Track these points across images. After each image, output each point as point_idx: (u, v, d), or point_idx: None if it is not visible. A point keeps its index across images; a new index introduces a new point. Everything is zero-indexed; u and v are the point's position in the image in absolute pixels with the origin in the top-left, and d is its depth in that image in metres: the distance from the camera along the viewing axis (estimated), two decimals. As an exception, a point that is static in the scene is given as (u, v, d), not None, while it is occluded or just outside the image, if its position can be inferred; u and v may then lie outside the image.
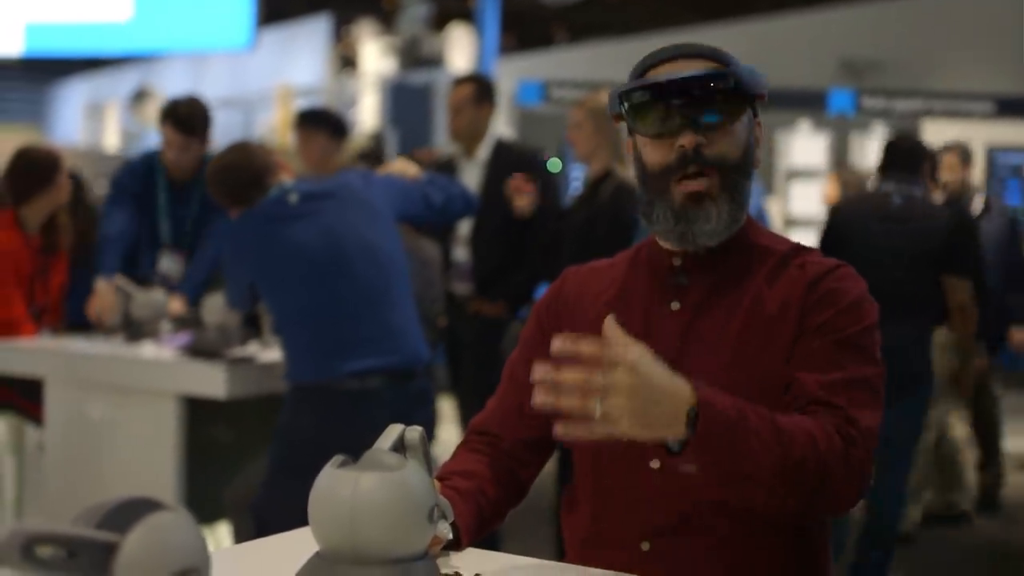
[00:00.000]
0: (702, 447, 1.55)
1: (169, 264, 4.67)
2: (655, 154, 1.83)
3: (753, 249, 1.86)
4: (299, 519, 3.33)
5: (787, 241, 1.90)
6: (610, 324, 1.53)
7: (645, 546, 1.79)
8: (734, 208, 1.81)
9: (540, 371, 1.49)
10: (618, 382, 1.48)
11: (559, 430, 1.51)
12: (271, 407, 3.84)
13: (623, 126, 1.90)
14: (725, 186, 1.80)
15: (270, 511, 3.40)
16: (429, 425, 3.51)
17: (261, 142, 4.10)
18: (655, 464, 1.78)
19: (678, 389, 1.54)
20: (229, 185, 3.50)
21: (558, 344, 1.50)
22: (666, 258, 1.88)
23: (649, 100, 1.80)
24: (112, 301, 4.38)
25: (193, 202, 4.69)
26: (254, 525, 3.45)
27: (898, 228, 4.36)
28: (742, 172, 1.82)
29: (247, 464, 3.92)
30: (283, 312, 3.49)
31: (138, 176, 4.72)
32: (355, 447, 3.58)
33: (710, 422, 1.54)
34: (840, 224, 4.50)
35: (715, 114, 1.79)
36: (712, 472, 1.61)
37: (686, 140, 1.78)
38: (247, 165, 3.50)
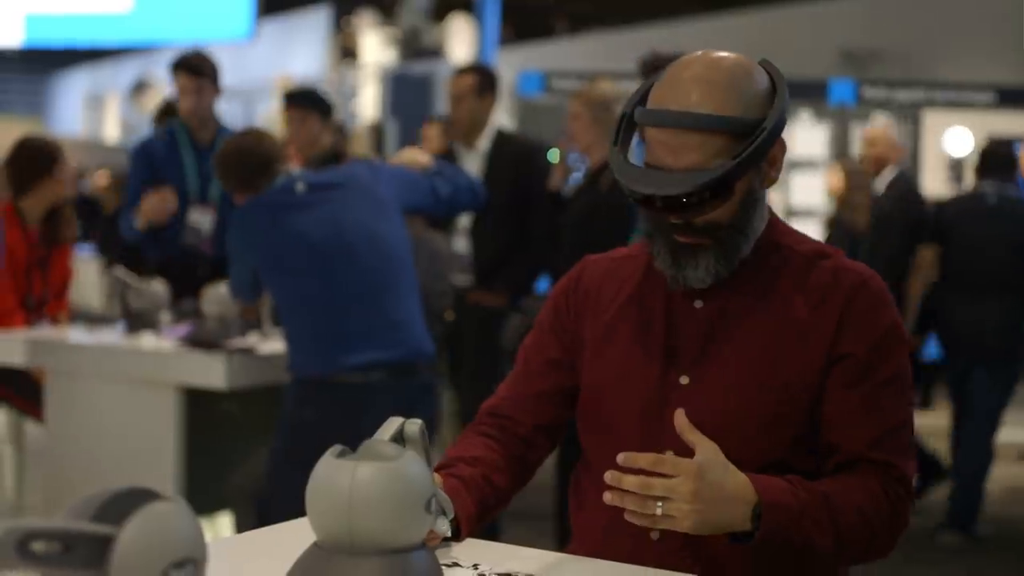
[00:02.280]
0: (765, 538, 1.66)
1: (199, 217, 4.69)
2: (644, 208, 1.80)
3: (777, 249, 1.85)
4: (303, 512, 3.32)
5: (809, 240, 1.88)
6: (682, 419, 1.65)
7: (655, 535, 1.80)
8: (724, 262, 1.79)
9: (608, 476, 1.61)
10: (679, 489, 1.59)
11: (628, 517, 1.63)
12: (271, 397, 3.84)
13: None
14: (716, 242, 1.78)
15: (274, 504, 3.40)
16: (432, 420, 3.50)
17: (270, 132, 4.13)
18: (669, 454, 1.78)
19: (742, 492, 1.64)
20: (237, 170, 3.51)
21: (621, 459, 1.62)
22: None
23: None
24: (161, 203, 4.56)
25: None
26: (258, 518, 3.45)
27: (994, 222, 5.41)
28: (736, 228, 1.78)
29: (248, 454, 3.92)
30: (287, 302, 3.48)
31: (159, 144, 4.79)
32: (358, 441, 3.58)
33: (774, 519, 1.65)
34: (945, 219, 5.56)
35: (703, 209, 1.74)
36: (769, 552, 1.71)
37: (673, 218, 1.76)
38: (257, 151, 3.50)
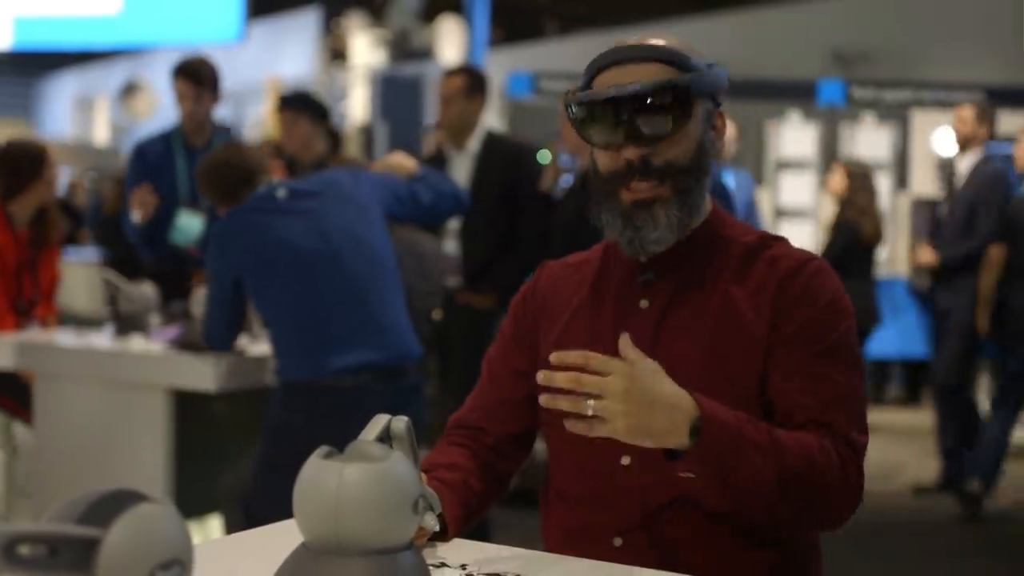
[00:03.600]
0: (704, 457, 1.61)
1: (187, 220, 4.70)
2: (603, 161, 1.82)
3: (720, 241, 1.85)
4: (290, 516, 3.32)
5: (753, 231, 1.88)
6: (625, 342, 1.59)
7: (617, 542, 1.79)
8: (684, 212, 1.79)
9: (540, 375, 1.57)
10: (610, 386, 1.55)
11: (567, 426, 1.57)
12: (261, 400, 3.84)
13: None
14: (674, 191, 1.78)
15: (262, 508, 3.39)
16: (420, 421, 3.50)
17: (252, 143, 4.17)
18: (626, 461, 1.79)
19: (679, 400, 1.60)
20: (220, 183, 3.55)
21: (553, 358, 1.58)
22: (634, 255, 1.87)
23: (592, 112, 1.78)
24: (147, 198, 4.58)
25: None
26: (244, 521, 3.44)
27: None
28: (693, 175, 1.79)
29: (237, 457, 3.91)
30: (271, 309, 3.48)
31: (156, 148, 4.82)
32: (346, 444, 3.57)
33: (713, 433, 1.60)
34: (1012, 214, 5.80)
35: (660, 124, 1.76)
36: (712, 481, 1.65)
37: (631, 153, 1.77)
38: (239, 164, 3.55)
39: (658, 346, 1.79)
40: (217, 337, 3.67)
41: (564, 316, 1.89)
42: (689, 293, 1.81)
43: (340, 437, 3.55)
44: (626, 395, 1.55)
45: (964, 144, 6.17)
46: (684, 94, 1.75)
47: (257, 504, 3.44)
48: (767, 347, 1.76)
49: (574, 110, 1.81)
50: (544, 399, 1.58)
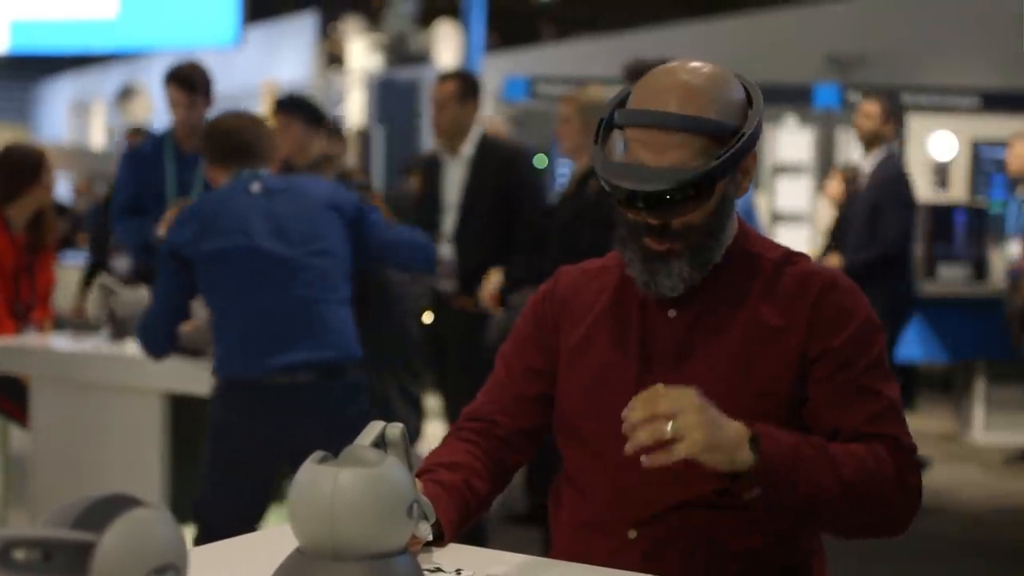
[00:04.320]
0: (766, 470, 1.66)
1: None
2: (623, 208, 1.82)
3: (747, 257, 1.88)
4: (236, 516, 3.30)
5: (777, 247, 1.92)
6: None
7: (632, 534, 1.82)
8: (696, 267, 1.82)
9: (625, 426, 1.62)
10: (684, 400, 1.62)
11: (644, 462, 1.63)
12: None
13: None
14: (691, 248, 1.80)
15: (209, 510, 3.38)
16: (361, 419, 3.47)
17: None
18: (645, 458, 1.80)
19: (735, 422, 1.66)
20: (217, 141, 3.51)
21: (623, 415, 1.63)
22: None
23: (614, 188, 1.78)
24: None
25: (199, 169, 4.71)
26: (195, 522, 3.41)
27: None
28: (711, 234, 1.81)
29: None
30: (219, 302, 3.43)
31: (147, 152, 4.80)
32: (286, 442, 3.52)
33: (772, 447, 1.66)
34: None
35: (683, 209, 1.76)
36: (777, 497, 1.69)
37: (652, 219, 1.78)
38: (244, 131, 3.50)
39: (686, 355, 1.83)
40: (147, 329, 3.57)
41: (586, 321, 1.92)
42: (717, 305, 1.85)
43: (279, 435, 3.52)
44: (700, 410, 1.61)
45: (869, 142, 5.87)
46: (710, 183, 1.76)
47: (203, 503, 3.41)
48: (800, 363, 1.80)
49: (600, 161, 1.81)
50: (630, 449, 1.63)
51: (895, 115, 5.89)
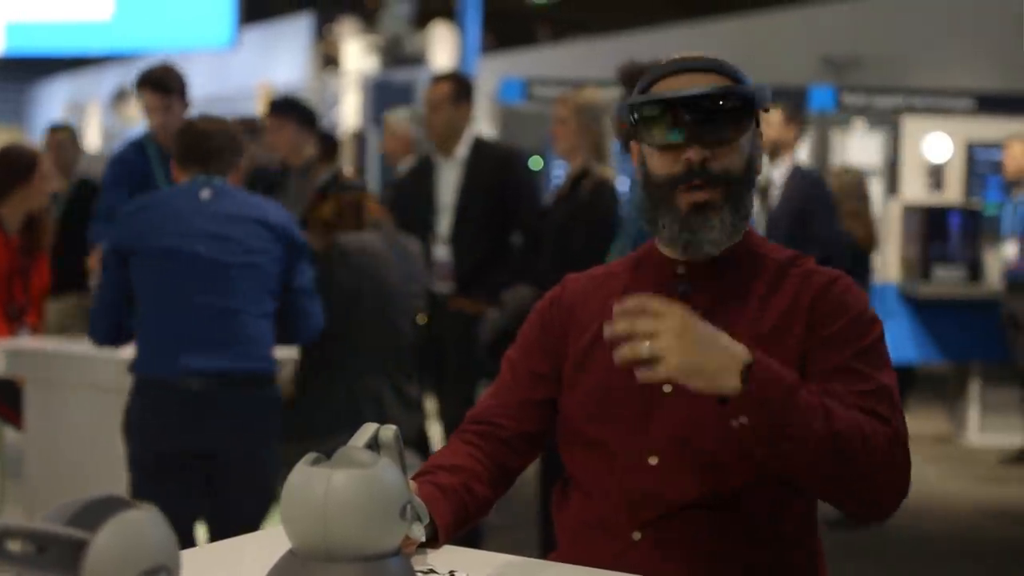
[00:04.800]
0: (755, 401, 1.63)
1: None
2: (661, 164, 1.86)
3: (754, 258, 1.90)
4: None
5: (784, 250, 1.94)
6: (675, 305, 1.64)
7: (636, 536, 1.83)
8: (737, 219, 1.86)
9: (607, 331, 1.62)
10: (666, 324, 1.60)
11: (640, 376, 1.62)
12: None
13: (609, 127, 1.94)
14: (728, 198, 1.84)
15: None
16: (272, 434, 3.48)
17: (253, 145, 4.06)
18: (654, 461, 1.83)
19: (732, 344, 1.64)
20: (184, 143, 3.52)
21: (615, 310, 1.62)
22: (670, 267, 1.91)
23: (658, 113, 1.84)
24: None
25: None
26: None
27: None
28: (745, 185, 1.87)
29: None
30: (145, 299, 3.45)
31: (131, 158, 4.73)
32: (195, 447, 3.52)
33: (765, 378, 1.63)
34: None
35: (722, 130, 1.83)
36: (763, 430, 1.66)
37: (693, 154, 1.82)
38: (213, 137, 3.49)
39: None
40: (95, 323, 3.59)
41: (593, 327, 1.93)
42: (725, 306, 1.87)
43: (189, 438, 3.54)
44: (680, 333, 1.59)
45: (774, 151, 5.72)
46: (748, 103, 1.84)
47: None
48: (802, 353, 1.81)
49: (635, 115, 1.86)
50: (618, 357, 1.63)
51: (795, 120, 5.81)
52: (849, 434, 1.69)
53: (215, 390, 3.35)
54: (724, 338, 1.64)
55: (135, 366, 3.44)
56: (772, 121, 5.66)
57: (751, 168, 1.88)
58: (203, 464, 3.42)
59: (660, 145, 1.85)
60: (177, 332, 3.37)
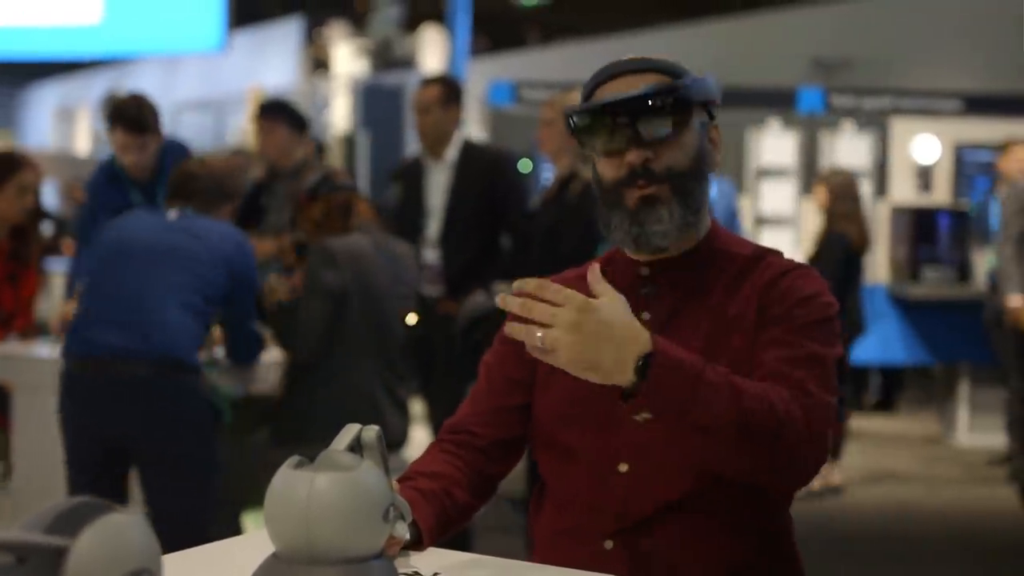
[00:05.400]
0: (654, 393, 1.60)
1: None
2: (607, 169, 1.87)
3: (717, 255, 1.90)
4: None
5: (750, 244, 1.93)
6: (595, 275, 1.62)
7: (608, 544, 1.82)
8: (687, 212, 1.85)
9: (498, 300, 1.60)
10: (560, 316, 1.56)
11: (530, 353, 1.59)
12: (238, 408, 3.84)
13: None
14: (676, 192, 1.84)
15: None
16: (196, 427, 3.48)
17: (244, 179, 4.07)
18: (623, 468, 1.82)
19: (633, 335, 1.59)
20: (176, 179, 3.71)
21: (515, 285, 1.60)
22: (634, 268, 1.91)
23: (596, 120, 1.84)
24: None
25: (162, 196, 4.65)
26: None
27: None
28: (693, 178, 1.86)
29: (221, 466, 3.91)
30: (87, 282, 3.61)
31: (104, 185, 4.63)
32: (109, 434, 3.58)
33: (662, 369, 1.59)
34: None
35: (660, 128, 1.82)
36: (667, 419, 1.65)
37: (633, 156, 1.83)
38: (201, 179, 3.67)
39: None
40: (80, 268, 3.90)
41: None
42: (689, 306, 1.86)
43: (103, 425, 3.61)
44: (574, 327, 1.55)
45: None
46: (683, 98, 1.83)
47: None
48: (755, 337, 1.81)
49: (575, 120, 1.87)
50: (508, 327, 1.61)
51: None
52: (758, 413, 1.64)
53: (120, 370, 3.39)
54: (623, 328, 1.58)
55: (63, 351, 3.54)
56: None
57: (700, 161, 1.86)
58: (121, 458, 3.46)
59: (602, 151, 1.86)
60: (97, 310, 3.47)
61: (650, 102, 1.81)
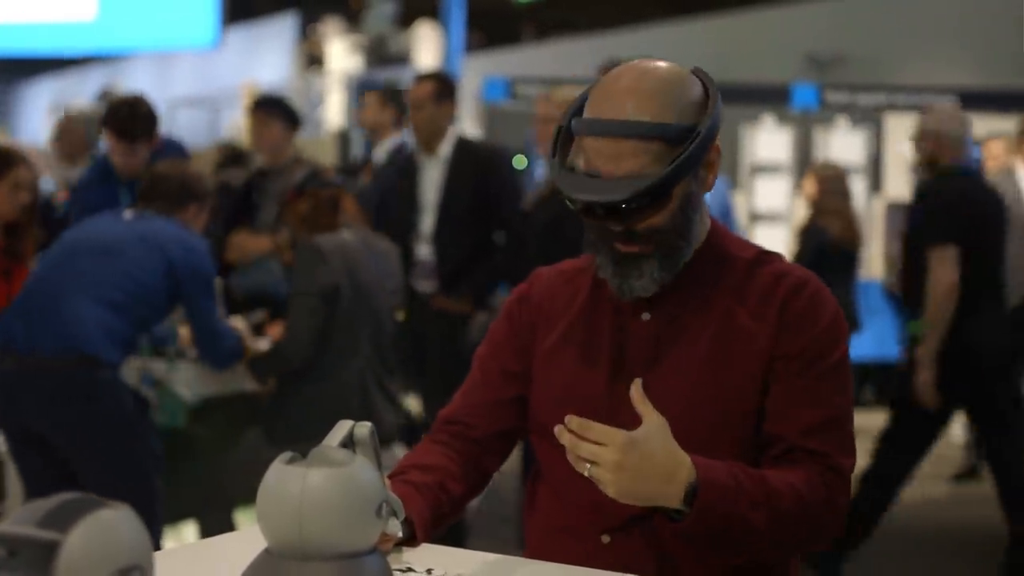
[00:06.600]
0: (700, 520, 1.66)
1: None
2: (586, 219, 1.82)
3: (720, 257, 1.88)
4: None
5: (751, 246, 1.92)
6: (636, 390, 1.66)
7: (605, 539, 1.83)
8: (668, 264, 1.82)
9: (556, 430, 1.64)
10: (603, 456, 1.61)
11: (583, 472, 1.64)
12: (232, 407, 3.84)
13: None
14: (659, 249, 1.80)
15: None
16: (113, 423, 3.47)
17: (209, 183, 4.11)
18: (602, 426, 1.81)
19: (676, 468, 1.65)
20: (147, 182, 3.81)
21: (566, 422, 1.64)
22: None
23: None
24: None
25: None
26: None
27: None
28: (676, 233, 1.81)
29: (207, 464, 3.91)
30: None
31: (95, 183, 4.68)
32: (31, 425, 3.51)
33: (708, 499, 1.66)
34: None
35: (641, 214, 1.76)
36: (704, 537, 1.70)
37: (613, 225, 1.79)
38: (168, 180, 3.75)
39: (658, 360, 1.84)
40: None
41: (560, 324, 1.92)
42: (691, 307, 1.85)
43: (26, 419, 3.64)
44: (618, 467, 1.61)
45: (372, 132, 5.66)
46: (667, 189, 1.76)
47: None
48: (768, 363, 1.81)
49: (558, 172, 1.82)
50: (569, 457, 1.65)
51: (393, 101, 5.65)
52: (790, 513, 1.72)
53: (28, 363, 3.41)
54: (665, 458, 1.64)
55: None
56: (369, 103, 5.65)
57: (685, 211, 1.80)
58: (46, 451, 3.46)
59: (579, 212, 1.80)
60: (21, 303, 3.52)
61: (623, 206, 1.74)
